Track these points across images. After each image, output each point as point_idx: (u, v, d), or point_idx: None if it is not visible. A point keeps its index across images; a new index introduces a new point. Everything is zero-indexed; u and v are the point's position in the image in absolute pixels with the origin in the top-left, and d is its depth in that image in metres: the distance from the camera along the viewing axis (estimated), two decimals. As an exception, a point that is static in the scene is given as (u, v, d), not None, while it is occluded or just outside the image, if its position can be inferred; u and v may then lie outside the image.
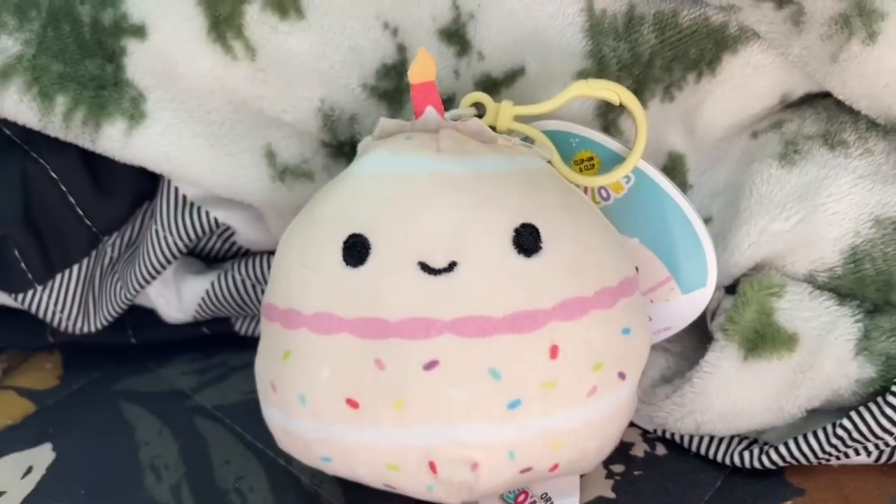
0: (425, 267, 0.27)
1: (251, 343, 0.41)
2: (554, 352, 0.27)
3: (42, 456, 0.36)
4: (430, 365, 0.26)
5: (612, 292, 0.28)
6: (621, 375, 0.28)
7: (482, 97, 0.31)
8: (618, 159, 0.32)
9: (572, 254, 0.28)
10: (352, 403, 0.27)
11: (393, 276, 0.27)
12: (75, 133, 0.34)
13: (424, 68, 0.29)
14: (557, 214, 0.28)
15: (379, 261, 0.27)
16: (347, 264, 0.27)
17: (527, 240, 0.27)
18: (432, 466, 0.27)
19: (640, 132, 0.31)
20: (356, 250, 0.27)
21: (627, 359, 0.29)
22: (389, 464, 0.28)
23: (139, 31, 0.34)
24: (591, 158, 0.33)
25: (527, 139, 0.31)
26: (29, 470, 0.35)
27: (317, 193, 0.30)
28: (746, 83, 0.33)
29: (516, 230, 0.27)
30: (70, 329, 0.39)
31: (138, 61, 0.34)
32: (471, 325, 0.26)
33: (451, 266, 0.27)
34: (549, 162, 0.31)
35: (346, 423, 0.27)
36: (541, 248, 0.27)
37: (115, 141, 0.34)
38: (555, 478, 0.30)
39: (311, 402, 0.28)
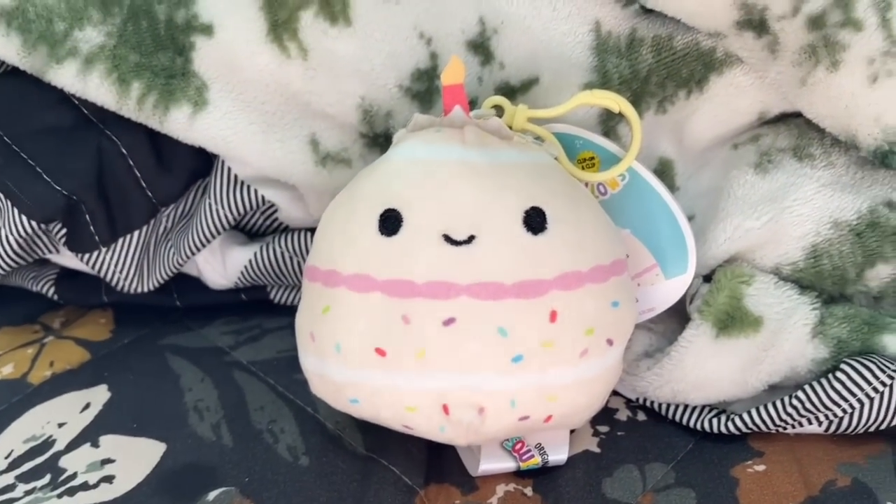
0: (448, 238, 0.31)
1: (284, 310, 0.46)
2: (553, 316, 0.31)
3: (99, 394, 0.41)
4: (449, 321, 0.31)
5: (605, 270, 0.33)
6: (609, 342, 0.33)
7: (501, 100, 0.36)
8: (615, 159, 0.37)
9: (572, 235, 0.32)
10: (380, 352, 0.31)
11: (420, 245, 0.31)
12: (146, 115, 0.39)
13: (455, 72, 0.34)
14: (561, 201, 0.33)
15: (409, 232, 0.32)
16: (382, 234, 0.32)
17: (535, 220, 0.32)
18: (445, 409, 0.31)
19: (636, 137, 0.35)
20: (391, 222, 0.32)
21: (615, 327, 0.33)
22: (409, 406, 0.32)
23: (207, 30, 0.38)
24: (592, 158, 0.38)
25: (538, 139, 0.36)
26: (87, 406, 0.40)
27: (358, 175, 0.35)
28: (729, 101, 0.38)
29: (526, 212, 0.32)
30: (126, 288, 0.44)
31: (205, 56, 0.39)
32: (484, 289, 0.31)
33: (471, 239, 0.31)
34: (556, 159, 0.35)
35: (374, 369, 0.32)
36: (546, 228, 0.32)
37: (180, 124, 0.39)
38: (548, 429, 0.34)
39: (345, 350, 0.32)
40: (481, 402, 0.31)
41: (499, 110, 0.36)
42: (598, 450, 0.37)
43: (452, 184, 0.32)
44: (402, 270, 0.31)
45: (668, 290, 0.37)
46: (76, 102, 0.40)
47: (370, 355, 0.32)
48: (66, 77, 0.39)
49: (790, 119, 0.39)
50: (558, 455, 0.36)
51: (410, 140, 0.34)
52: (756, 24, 0.35)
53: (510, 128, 0.35)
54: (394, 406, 0.32)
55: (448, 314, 0.31)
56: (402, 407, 0.32)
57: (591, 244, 0.33)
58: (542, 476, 0.36)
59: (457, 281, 0.31)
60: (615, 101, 0.35)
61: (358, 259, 0.32)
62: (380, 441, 0.37)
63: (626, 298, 0.34)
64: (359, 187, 0.34)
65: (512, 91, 0.38)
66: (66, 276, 0.47)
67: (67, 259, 0.45)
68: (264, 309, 0.46)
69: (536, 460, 0.35)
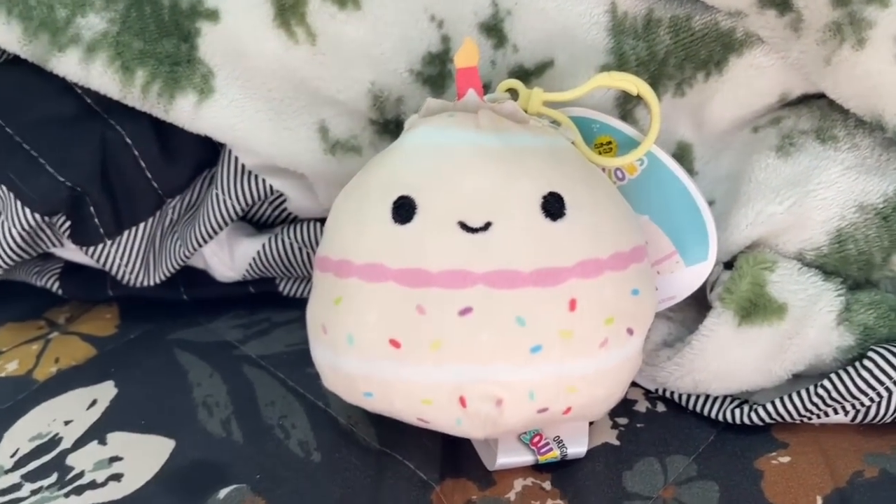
0: (464, 226, 0.30)
1: (293, 303, 0.45)
2: (572, 305, 0.30)
3: (105, 391, 0.40)
4: (465, 311, 0.30)
5: (625, 257, 0.32)
6: (629, 331, 0.32)
7: (516, 84, 0.35)
8: (633, 143, 0.36)
9: (591, 221, 0.31)
10: (394, 343, 0.30)
11: (435, 233, 0.30)
12: (151, 104, 0.38)
13: (469, 55, 0.33)
14: (580, 187, 0.32)
15: (423, 219, 0.31)
16: (396, 221, 0.31)
17: (553, 206, 0.31)
18: (462, 401, 0.30)
19: (654, 120, 0.35)
20: (404, 209, 0.31)
21: (635, 316, 0.32)
22: (424, 398, 0.31)
23: (212, 15, 0.38)
24: (609, 142, 0.37)
25: (554, 123, 0.35)
26: (93, 402, 0.39)
27: (369, 162, 0.34)
28: (750, 83, 0.37)
29: (544, 197, 0.31)
30: (132, 282, 0.43)
31: (210, 42, 0.38)
32: (501, 277, 0.30)
33: (487, 226, 0.30)
34: (573, 143, 0.34)
35: (388, 361, 0.31)
36: (565, 213, 0.31)
37: (186, 112, 0.38)
38: (567, 421, 0.33)
39: (358, 341, 0.31)
40: (499, 393, 0.30)
41: (513, 94, 0.35)
42: (617, 442, 0.36)
43: (467, 169, 0.31)
44: (416, 259, 0.30)
45: (689, 278, 0.36)
46: (79, 91, 0.39)
47: (384, 347, 0.31)
48: (69, 65, 0.38)
49: (812, 101, 0.38)
50: (577, 448, 0.35)
51: (423, 125, 0.33)
52: (779, 1, 0.34)
53: (525, 112, 0.34)
54: (409, 399, 0.31)
55: (464, 304, 0.30)
56: (418, 399, 0.31)
57: (611, 231, 0.32)
58: (560, 470, 0.35)
59: (473, 269, 0.30)
60: (633, 84, 0.34)
61: (370, 248, 0.31)
62: (393, 435, 0.37)
63: (647, 286, 0.33)
64: (370, 174, 0.33)
65: (526, 74, 0.38)
66: (71, 271, 0.46)
67: (72, 253, 0.44)
68: (273, 302, 0.46)
69: (555, 453, 0.34)
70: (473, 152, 0.31)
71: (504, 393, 0.30)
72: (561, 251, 0.30)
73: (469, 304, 0.30)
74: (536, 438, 0.35)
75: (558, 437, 0.35)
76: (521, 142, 0.32)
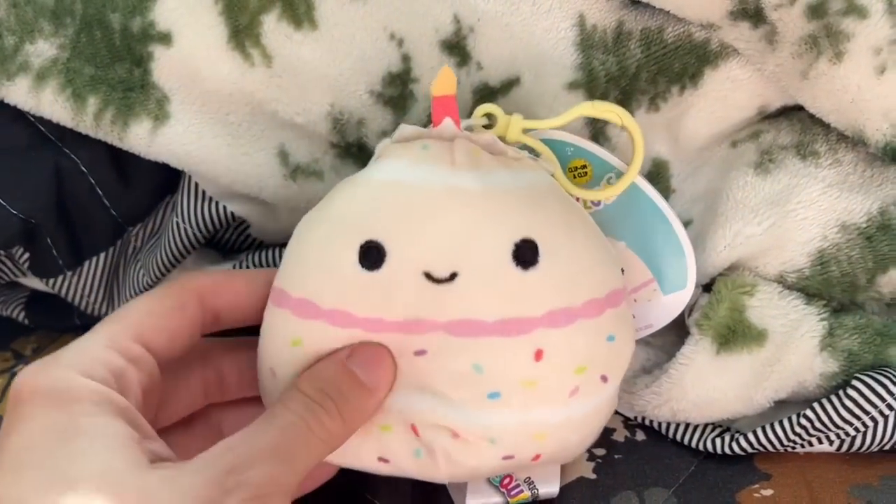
0: (429, 276, 0.29)
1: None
2: (538, 355, 0.29)
3: (68, 428, 0.39)
4: (420, 353, 0.29)
5: (600, 303, 0.30)
6: (604, 378, 0.30)
7: (494, 109, 0.33)
8: (608, 168, 0.35)
9: (566, 268, 0.29)
10: None
11: (401, 283, 0.29)
12: (105, 131, 0.37)
13: (446, 83, 0.31)
14: (556, 231, 0.30)
15: (390, 268, 0.29)
16: (363, 267, 0.29)
17: (526, 253, 0.29)
18: (414, 429, 0.29)
19: (638, 151, 0.33)
20: (372, 254, 0.29)
21: (610, 363, 0.30)
22: (382, 425, 0.30)
23: (165, 38, 0.36)
24: (584, 166, 0.35)
25: (532, 153, 0.33)
26: (56, 441, 0.38)
27: (335, 190, 0.32)
28: (726, 96, 0.35)
29: (517, 244, 0.29)
30: (96, 313, 0.42)
31: (164, 66, 0.36)
32: (463, 326, 0.29)
33: (452, 276, 0.29)
34: (553, 176, 0.33)
35: None
36: (538, 261, 0.29)
37: (141, 139, 0.37)
38: (538, 466, 0.31)
39: None
40: (452, 426, 0.29)
41: (490, 119, 0.33)
42: (593, 476, 0.35)
43: (437, 215, 0.30)
44: (381, 308, 0.29)
45: (667, 306, 0.35)
46: (31, 120, 0.38)
47: None
48: (19, 94, 0.36)
49: (792, 113, 0.36)
50: (549, 488, 0.34)
51: (395, 157, 0.31)
52: (751, 13, 0.32)
53: (503, 139, 0.33)
54: (367, 432, 0.30)
55: (420, 346, 0.29)
56: (377, 427, 0.30)
57: (587, 277, 0.30)
58: (534, 507, 0.34)
59: (434, 318, 0.29)
60: (617, 114, 0.33)
61: (338, 293, 0.30)
62: (363, 474, 0.35)
63: (623, 330, 0.31)
64: (337, 208, 0.31)
65: (491, 93, 0.36)
66: (37, 299, 0.45)
67: (36, 282, 0.43)
68: (242, 330, 0.44)
69: (526, 495, 0.33)
70: (446, 196, 0.30)
71: (458, 428, 0.29)
72: (529, 301, 0.29)
73: (424, 347, 0.29)
74: (506, 480, 0.33)
75: (529, 478, 0.33)
76: (499, 181, 0.30)
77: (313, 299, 0.30)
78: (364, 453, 0.31)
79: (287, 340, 0.30)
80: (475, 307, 0.29)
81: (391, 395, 0.29)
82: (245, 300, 0.32)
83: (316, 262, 0.31)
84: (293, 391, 0.29)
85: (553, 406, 0.29)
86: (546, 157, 0.33)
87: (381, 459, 0.31)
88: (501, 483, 0.33)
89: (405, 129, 0.32)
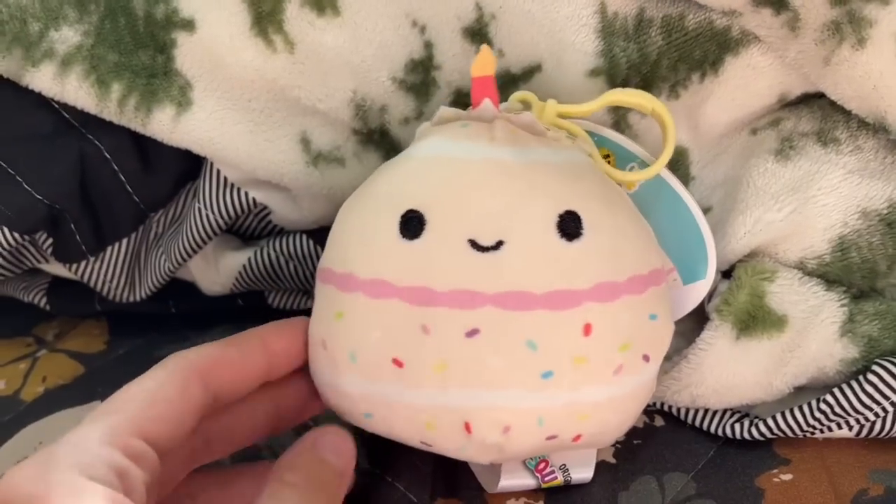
0: (474, 244, 0.29)
1: (283, 315, 0.44)
2: (587, 329, 0.29)
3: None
4: (472, 333, 0.28)
5: (643, 280, 0.30)
6: (646, 358, 0.30)
7: (529, 96, 0.33)
8: (631, 156, 0.35)
9: (609, 242, 0.30)
10: (397, 363, 0.29)
11: (444, 251, 0.29)
12: (128, 117, 0.37)
13: (486, 63, 0.31)
14: (598, 205, 0.30)
15: (432, 235, 0.29)
16: (403, 237, 0.29)
17: (569, 225, 0.29)
18: (468, 427, 0.29)
19: (670, 137, 0.33)
20: (413, 224, 0.29)
21: (652, 342, 0.30)
22: (428, 422, 0.30)
23: (188, 25, 0.36)
24: (607, 155, 0.35)
25: (569, 136, 0.33)
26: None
27: (377, 171, 0.32)
28: (747, 83, 0.35)
29: (560, 216, 0.29)
30: (117, 298, 0.42)
31: (187, 53, 0.37)
32: (512, 299, 0.28)
33: (498, 245, 0.29)
34: (590, 156, 0.33)
35: (390, 382, 0.29)
36: (581, 233, 0.29)
37: (164, 125, 0.37)
38: (576, 448, 0.31)
39: (360, 360, 0.30)
40: (507, 420, 0.29)
41: (525, 106, 0.34)
42: (613, 460, 0.35)
43: (480, 185, 0.30)
44: (422, 277, 0.29)
45: (687, 296, 0.35)
46: (55, 106, 0.38)
47: (387, 367, 0.29)
48: (44, 80, 0.37)
49: (813, 101, 0.36)
50: (582, 474, 0.34)
51: (434, 136, 0.32)
52: None
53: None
54: (411, 422, 0.30)
55: (471, 325, 0.28)
56: (421, 423, 0.30)
57: (629, 252, 0.30)
58: (554, 490, 0.34)
59: (482, 290, 0.29)
60: (648, 100, 0.33)
61: (376, 263, 0.30)
62: (383, 455, 0.36)
63: (664, 310, 0.31)
64: (378, 185, 0.32)
65: (513, 80, 0.36)
66: (59, 286, 0.45)
67: (58, 268, 0.43)
68: (263, 314, 0.44)
69: (559, 480, 0.33)
70: (487, 167, 0.30)
71: (512, 420, 0.29)
72: (576, 273, 0.29)
73: (476, 326, 0.28)
74: (542, 465, 0.33)
75: (564, 464, 0.33)
76: (538, 157, 0.31)
77: (352, 271, 0.30)
78: (406, 438, 0.31)
79: (331, 314, 0.31)
80: (523, 278, 0.28)
81: (444, 394, 0.29)
82: (241, 374, 0.31)
83: (357, 236, 0.31)
84: (280, 485, 0.29)
85: (599, 384, 0.29)
86: (583, 139, 0.33)
87: (422, 443, 0.31)
88: (536, 467, 0.33)
89: (445, 110, 0.32)
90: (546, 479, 0.33)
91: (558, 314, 0.28)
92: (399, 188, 0.31)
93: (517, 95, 0.33)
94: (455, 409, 0.29)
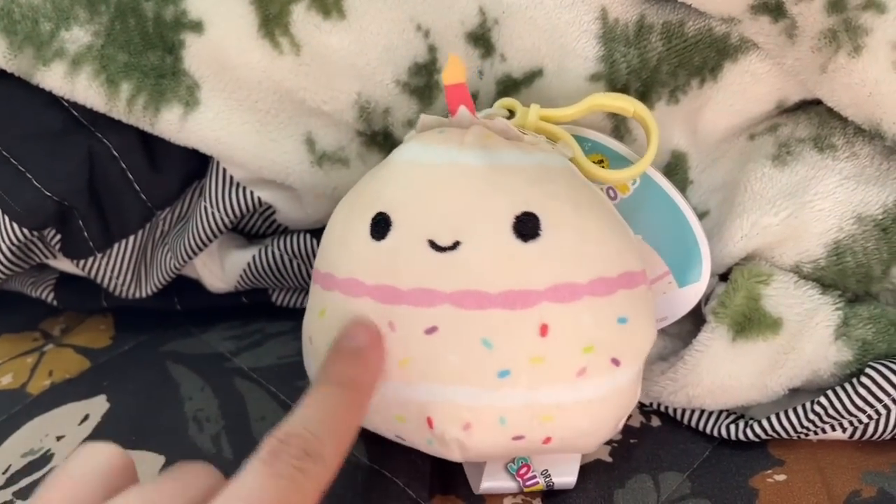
0: (433, 244, 0.30)
1: (286, 313, 0.45)
2: (544, 330, 0.29)
3: (98, 405, 0.40)
4: (431, 330, 0.29)
5: (610, 282, 0.30)
6: (615, 361, 0.30)
7: (512, 103, 0.34)
8: (625, 162, 0.35)
9: (570, 243, 0.30)
10: None
11: (406, 251, 0.30)
12: (137, 117, 0.38)
13: (455, 71, 0.32)
14: (562, 206, 0.30)
15: (397, 236, 0.30)
16: (373, 238, 0.31)
17: (526, 226, 0.30)
18: (429, 422, 0.30)
19: (653, 139, 0.34)
20: (381, 226, 0.31)
21: (622, 346, 0.30)
22: (397, 415, 0.31)
23: (197, 27, 0.37)
24: (601, 161, 0.36)
25: (551, 140, 0.34)
26: (85, 417, 0.39)
27: (364, 177, 0.34)
28: (745, 89, 0.36)
29: (517, 217, 0.30)
30: (123, 294, 0.43)
31: (195, 54, 0.37)
32: (468, 297, 0.29)
33: (455, 245, 0.30)
34: (573, 159, 0.33)
35: None
36: (539, 234, 0.30)
37: (171, 125, 0.38)
38: (551, 452, 0.32)
39: None
40: (466, 417, 0.30)
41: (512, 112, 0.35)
42: (609, 459, 0.36)
43: (440, 187, 0.31)
44: (389, 276, 0.30)
45: (682, 299, 0.35)
46: (65, 105, 0.39)
47: None
48: (54, 79, 0.37)
49: (810, 107, 0.37)
50: (564, 479, 0.34)
51: (412, 142, 0.33)
52: (772, 7, 0.33)
53: (523, 129, 0.34)
54: (383, 414, 0.31)
55: (430, 322, 0.29)
56: (392, 416, 0.31)
57: (595, 254, 0.30)
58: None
59: (440, 288, 0.29)
60: (630, 103, 0.34)
61: (350, 263, 0.31)
62: (383, 452, 0.36)
63: (638, 314, 0.31)
64: (359, 191, 0.33)
65: (515, 84, 0.37)
66: (66, 281, 0.46)
67: (66, 264, 0.44)
68: (266, 312, 0.45)
69: (541, 485, 0.34)
70: (451, 170, 0.31)
71: (470, 417, 0.30)
72: (530, 273, 0.29)
73: (435, 324, 0.29)
74: (523, 470, 0.34)
75: (546, 470, 0.34)
76: (506, 159, 0.31)
77: (332, 271, 0.32)
78: (383, 430, 0.32)
79: (317, 311, 0.33)
80: (478, 277, 0.29)
81: (408, 387, 0.30)
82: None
83: (337, 238, 0.33)
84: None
85: (560, 386, 0.29)
86: (565, 141, 0.34)
87: (397, 437, 0.32)
88: (518, 472, 0.34)
89: (426, 118, 0.33)
90: (527, 483, 0.34)
91: (513, 314, 0.29)
92: (373, 192, 0.32)
93: (501, 102, 0.34)
94: (419, 403, 0.30)
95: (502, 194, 0.30)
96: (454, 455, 0.31)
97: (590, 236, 0.30)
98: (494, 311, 0.29)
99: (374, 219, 0.31)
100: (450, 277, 0.29)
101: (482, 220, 0.30)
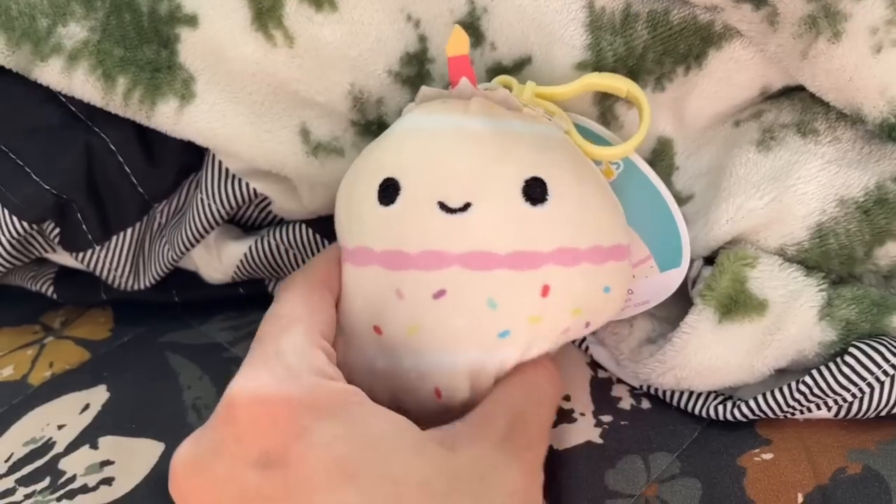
0: (443, 206, 0.30)
1: (283, 303, 0.45)
2: (545, 291, 0.30)
3: (98, 395, 0.40)
4: (439, 294, 0.30)
5: (604, 252, 0.32)
6: (587, 324, 0.32)
7: (509, 80, 0.35)
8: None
9: (574, 209, 0.31)
10: (377, 330, 0.31)
11: (415, 213, 0.31)
12: (133, 110, 0.38)
13: (458, 43, 0.33)
14: (565, 175, 0.32)
15: (405, 200, 0.31)
16: (381, 203, 0.31)
17: (535, 190, 0.31)
18: (437, 392, 0.31)
19: (645, 118, 0.34)
20: (389, 191, 0.31)
21: (599, 313, 0.33)
22: (405, 388, 0.32)
23: (191, 21, 0.38)
24: None
25: (546, 114, 0.35)
26: (86, 407, 0.40)
27: (365, 149, 0.34)
28: (730, 76, 0.36)
29: (526, 181, 0.31)
30: (122, 286, 0.44)
31: (190, 47, 0.38)
32: (477, 258, 0.30)
33: (466, 206, 0.30)
34: (567, 133, 0.34)
35: (372, 348, 0.32)
36: (546, 199, 0.31)
37: (167, 118, 0.38)
38: None
39: (346, 330, 0.32)
40: (469, 382, 0.31)
41: (507, 87, 0.35)
42: (600, 440, 0.36)
43: (450, 151, 0.31)
44: (397, 240, 0.31)
45: (663, 283, 0.36)
46: (63, 100, 0.40)
47: (369, 335, 0.32)
48: (51, 74, 0.38)
49: (794, 93, 0.37)
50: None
51: (414, 111, 0.34)
52: (754, -5, 0.33)
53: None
54: (391, 387, 0.32)
55: (439, 286, 0.30)
56: (401, 389, 0.32)
57: (593, 222, 0.32)
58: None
59: (449, 250, 0.30)
60: (623, 83, 0.35)
61: (359, 231, 0.32)
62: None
63: (619, 286, 0.33)
64: (363, 160, 0.34)
65: (504, 72, 0.37)
66: (65, 275, 0.46)
67: (65, 258, 0.45)
68: (263, 302, 0.45)
69: None
70: (458, 134, 0.32)
71: (472, 381, 0.31)
72: (539, 236, 0.30)
73: (443, 287, 0.30)
74: None
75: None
76: (511, 127, 0.32)
77: (344, 244, 0.32)
78: (385, 404, 0.32)
79: None
80: (488, 239, 0.30)
81: (416, 358, 0.31)
82: (336, 274, 0.34)
83: (345, 210, 0.33)
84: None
85: (546, 343, 0.32)
86: (559, 116, 0.34)
87: (400, 409, 0.32)
88: None
89: (426, 90, 0.34)
90: None
91: (519, 274, 0.30)
92: (378, 160, 0.33)
93: (499, 79, 0.35)
94: (427, 374, 0.31)
95: (511, 158, 0.31)
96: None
97: (590, 205, 0.32)
98: (501, 271, 0.30)
99: (381, 185, 0.31)
100: (459, 238, 0.30)
101: (493, 183, 0.30)
